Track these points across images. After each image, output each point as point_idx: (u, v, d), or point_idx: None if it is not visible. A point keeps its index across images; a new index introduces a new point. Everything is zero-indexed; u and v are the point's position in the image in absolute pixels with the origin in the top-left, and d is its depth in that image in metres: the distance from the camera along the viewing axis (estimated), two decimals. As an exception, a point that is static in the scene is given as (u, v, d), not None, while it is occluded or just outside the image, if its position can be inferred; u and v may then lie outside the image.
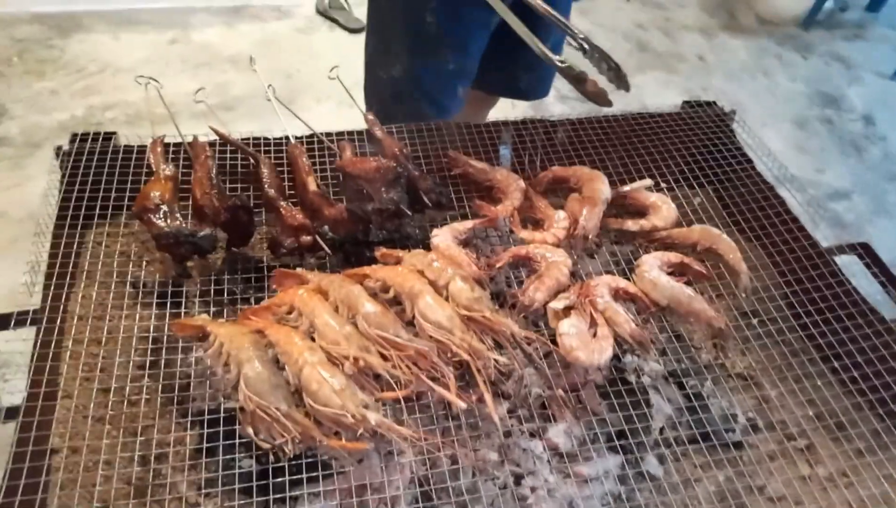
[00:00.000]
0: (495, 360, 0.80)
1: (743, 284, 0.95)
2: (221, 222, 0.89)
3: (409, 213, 0.92)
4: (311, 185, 0.95)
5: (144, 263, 0.97)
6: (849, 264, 1.08)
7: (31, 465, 0.73)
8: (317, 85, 2.95)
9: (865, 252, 1.07)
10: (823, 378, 0.94)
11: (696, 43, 3.53)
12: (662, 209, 1.01)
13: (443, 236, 0.95)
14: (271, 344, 0.79)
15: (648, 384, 0.96)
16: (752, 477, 0.89)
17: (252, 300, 0.96)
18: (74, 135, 1.07)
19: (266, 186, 0.94)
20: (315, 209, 0.93)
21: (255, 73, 1.22)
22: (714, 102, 1.29)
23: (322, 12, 3.34)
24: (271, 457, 0.75)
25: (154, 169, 0.95)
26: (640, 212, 1.04)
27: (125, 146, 1.07)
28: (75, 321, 0.91)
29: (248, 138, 1.10)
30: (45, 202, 0.99)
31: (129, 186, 1.01)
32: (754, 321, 0.98)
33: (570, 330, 0.84)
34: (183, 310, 0.95)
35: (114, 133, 1.09)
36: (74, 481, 0.75)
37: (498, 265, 0.93)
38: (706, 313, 0.88)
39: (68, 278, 0.91)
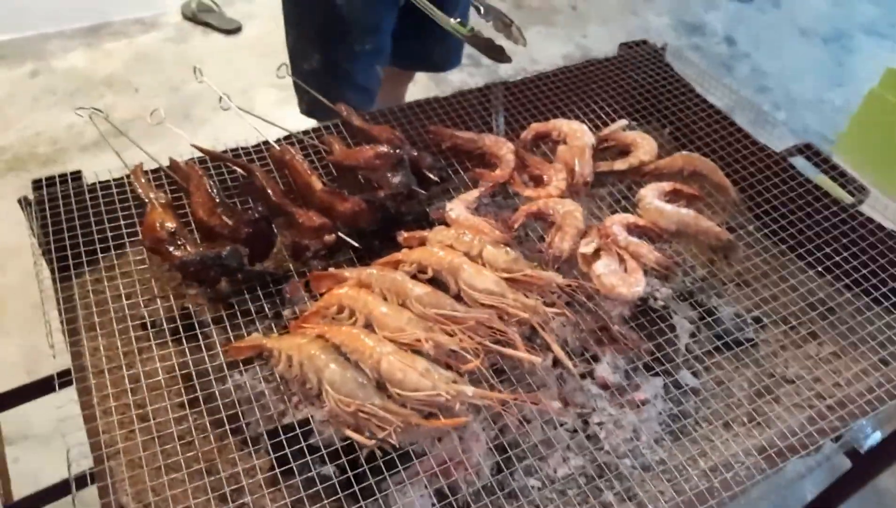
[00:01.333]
0: (551, 311, 0.83)
1: (732, 196, 1.04)
2: (243, 239, 0.85)
3: (422, 192, 0.93)
4: (317, 183, 0.93)
5: (144, 300, 0.91)
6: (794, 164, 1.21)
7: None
8: (206, 94, 2.81)
9: (807, 149, 1.20)
10: (804, 272, 1.04)
11: (565, -7, 3.68)
12: (643, 144, 1.08)
13: (458, 208, 0.96)
14: (336, 347, 0.78)
15: (663, 307, 1.04)
16: (770, 365, 0.99)
17: (268, 313, 0.94)
18: (37, 182, 0.97)
19: (270, 194, 0.91)
20: (327, 207, 0.92)
21: (203, 83, 1.17)
22: (646, 41, 1.38)
23: (191, 17, 3.17)
24: (346, 457, 0.75)
25: (146, 198, 0.89)
26: (623, 151, 1.10)
27: (93, 184, 0.99)
28: (97, 375, 0.85)
29: (226, 151, 1.05)
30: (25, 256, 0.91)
31: (106, 225, 0.95)
32: (740, 232, 1.08)
33: (606, 270, 0.89)
34: (202, 340, 0.91)
35: (79, 172, 1.00)
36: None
37: (516, 226, 0.96)
38: (713, 229, 0.96)
39: (84, 332, 0.85)
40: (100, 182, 0.98)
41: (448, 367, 0.78)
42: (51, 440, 1.71)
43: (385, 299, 0.84)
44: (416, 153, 0.98)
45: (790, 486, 1.11)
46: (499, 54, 1.10)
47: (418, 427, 0.73)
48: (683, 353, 0.99)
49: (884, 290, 1.00)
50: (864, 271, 1.02)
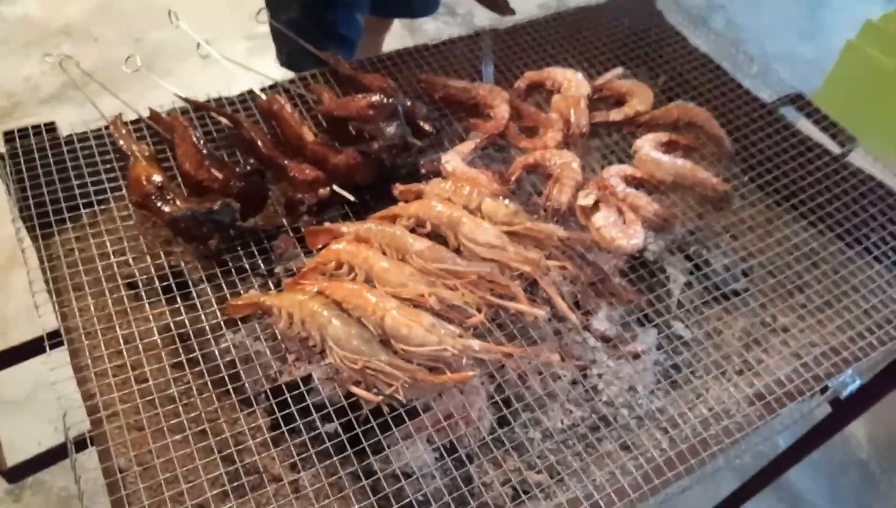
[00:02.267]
0: (553, 264, 0.83)
1: (726, 147, 1.03)
2: (235, 193, 0.82)
3: (418, 143, 0.90)
4: (308, 135, 0.90)
5: (132, 258, 0.88)
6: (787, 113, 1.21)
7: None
8: (172, 44, 2.69)
9: (797, 100, 1.20)
10: (794, 223, 1.05)
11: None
12: (639, 94, 1.07)
13: (454, 161, 0.94)
14: (338, 303, 0.76)
15: (656, 258, 1.04)
16: (762, 314, 1.00)
17: (262, 270, 0.91)
18: (8, 133, 0.92)
19: (261, 145, 0.87)
20: (320, 160, 0.89)
21: (179, 28, 1.10)
22: (637, -13, 1.35)
23: (151, -38, 3.00)
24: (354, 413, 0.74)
25: (128, 151, 0.85)
26: (618, 101, 1.09)
27: (69, 136, 0.94)
28: (88, 336, 0.82)
29: (208, 101, 1.00)
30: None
31: (87, 179, 0.90)
32: (733, 183, 1.08)
33: (606, 222, 0.88)
34: (196, 299, 0.88)
35: (53, 123, 0.95)
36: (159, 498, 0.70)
37: (513, 178, 0.94)
38: (710, 180, 0.96)
39: (72, 293, 0.81)
40: (77, 134, 0.93)
41: (450, 321, 0.77)
42: (24, 405, 1.67)
43: (384, 253, 0.82)
44: (409, 103, 0.95)
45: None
46: (501, 7, 1.06)
47: (424, 383, 0.72)
48: (677, 303, 1.00)
49: (873, 240, 1.01)
50: (854, 222, 1.03)
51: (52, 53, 1.01)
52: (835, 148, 1.15)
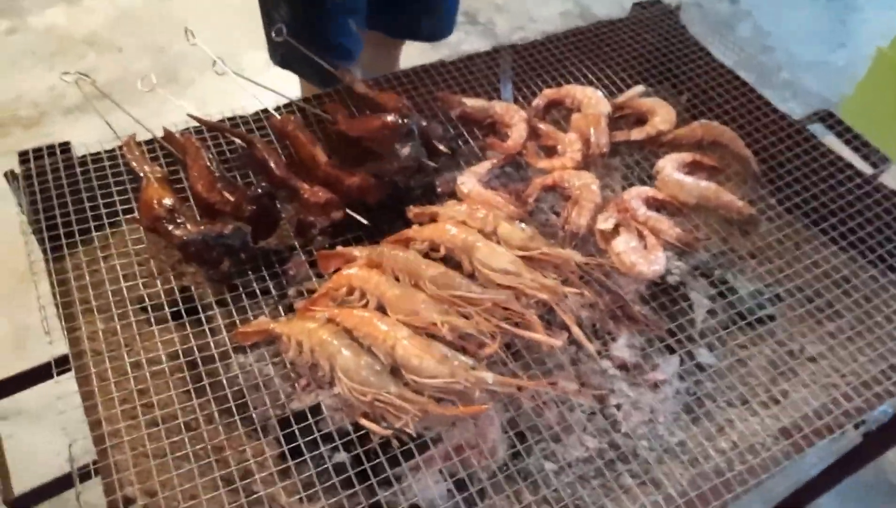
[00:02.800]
0: (571, 292, 0.80)
1: (752, 168, 1.00)
2: (246, 216, 0.81)
3: (433, 165, 0.88)
4: (321, 156, 0.88)
5: (142, 280, 0.87)
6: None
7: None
8: (194, 55, 2.71)
9: (827, 118, 1.16)
10: (824, 246, 1.01)
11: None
12: (661, 112, 1.04)
13: (470, 182, 0.92)
14: (348, 331, 0.75)
15: (679, 282, 1.00)
16: (790, 343, 0.97)
17: (273, 293, 0.90)
18: (23, 154, 0.92)
19: (273, 167, 0.86)
20: (333, 182, 0.87)
21: (196, 45, 1.10)
22: (660, 1, 1.31)
23: (175, -28, 3.03)
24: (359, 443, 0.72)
25: (140, 172, 0.84)
26: (640, 120, 1.06)
27: (83, 156, 0.93)
28: (96, 362, 0.81)
29: (223, 120, 1.00)
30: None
31: (99, 200, 0.90)
32: (759, 204, 1.04)
33: (626, 247, 0.85)
34: (205, 323, 0.87)
35: (68, 143, 0.95)
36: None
37: (531, 200, 0.92)
38: (735, 202, 0.92)
39: (80, 318, 0.81)
40: (91, 154, 0.93)
41: (464, 351, 0.75)
42: (44, 416, 1.68)
43: (397, 279, 0.80)
44: (425, 123, 0.93)
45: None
46: None
47: (435, 415, 0.70)
48: (701, 331, 0.96)
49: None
50: (888, 247, 0.99)
51: (69, 71, 1.00)
52: (866, 168, 1.11)
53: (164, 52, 2.68)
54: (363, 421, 0.69)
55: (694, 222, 0.97)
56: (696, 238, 0.89)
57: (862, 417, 0.82)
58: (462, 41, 2.94)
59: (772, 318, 0.99)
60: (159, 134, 0.94)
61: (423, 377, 0.70)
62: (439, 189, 1.00)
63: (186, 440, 0.75)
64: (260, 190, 0.80)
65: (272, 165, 0.86)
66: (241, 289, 0.88)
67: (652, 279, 0.86)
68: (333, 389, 0.80)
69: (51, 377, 0.71)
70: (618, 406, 0.88)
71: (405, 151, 0.88)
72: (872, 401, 0.83)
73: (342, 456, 0.78)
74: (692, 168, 0.98)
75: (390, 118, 0.90)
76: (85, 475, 0.70)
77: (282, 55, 1.32)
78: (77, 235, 0.86)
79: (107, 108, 1.00)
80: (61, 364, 0.77)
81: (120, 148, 0.89)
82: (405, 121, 0.89)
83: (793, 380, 0.91)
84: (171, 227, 0.77)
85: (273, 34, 1.12)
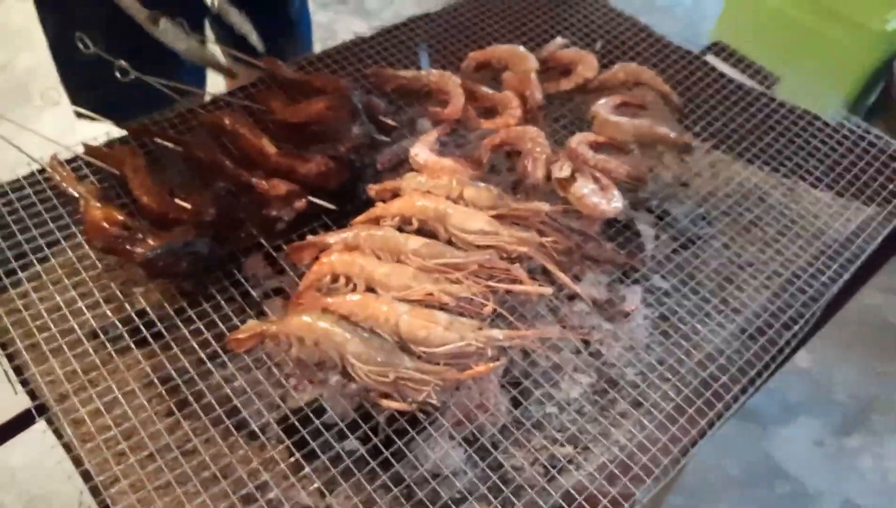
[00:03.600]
0: (548, 241, 0.83)
1: (674, 101, 1.07)
2: (208, 221, 0.76)
3: (386, 139, 0.87)
4: (269, 147, 0.85)
5: (88, 308, 0.80)
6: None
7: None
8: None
9: (722, 50, 1.26)
10: (736, 161, 1.10)
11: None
12: (584, 61, 1.08)
13: (423, 152, 0.92)
14: (345, 317, 0.73)
15: (627, 217, 1.07)
16: (733, 258, 1.05)
17: (236, 297, 0.85)
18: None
19: (222, 164, 0.82)
20: (287, 172, 0.84)
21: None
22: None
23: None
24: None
25: (76, 193, 0.77)
26: (565, 71, 1.09)
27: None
28: (59, 402, 0.74)
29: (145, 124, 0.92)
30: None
31: (20, 235, 0.82)
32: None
33: (586, 190, 0.89)
34: (175, 344, 0.82)
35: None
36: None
37: (485, 161, 0.93)
38: (669, 134, 0.99)
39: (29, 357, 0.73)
40: (10, 183, 0.83)
41: (462, 315, 0.76)
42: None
43: (379, 258, 0.79)
44: (367, 99, 0.91)
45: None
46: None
47: (453, 381, 0.71)
48: (651, 257, 1.03)
49: (806, 167, 1.09)
50: (786, 153, 1.10)
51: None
52: (762, 89, 1.22)
53: (6, 69, 2.42)
54: (386, 402, 0.68)
55: (636, 157, 1.02)
56: (643, 172, 0.95)
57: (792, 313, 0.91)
58: (334, 21, 2.89)
59: (712, 238, 1.08)
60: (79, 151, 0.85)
61: (434, 347, 0.71)
62: (379, 165, 0.98)
63: (188, 468, 0.71)
64: (220, 190, 0.75)
65: (220, 163, 0.81)
66: (202, 301, 0.84)
67: (614, 215, 0.91)
68: (331, 379, 0.78)
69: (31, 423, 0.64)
70: (600, 342, 0.92)
71: (355, 129, 0.86)
72: (815, 295, 0.93)
73: (351, 442, 0.77)
74: (623, 109, 1.03)
75: (333, 99, 0.87)
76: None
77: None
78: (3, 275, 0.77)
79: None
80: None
81: (41, 171, 0.81)
82: (349, 99, 0.87)
83: (745, 289, 0.99)
84: (129, 245, 0.72)
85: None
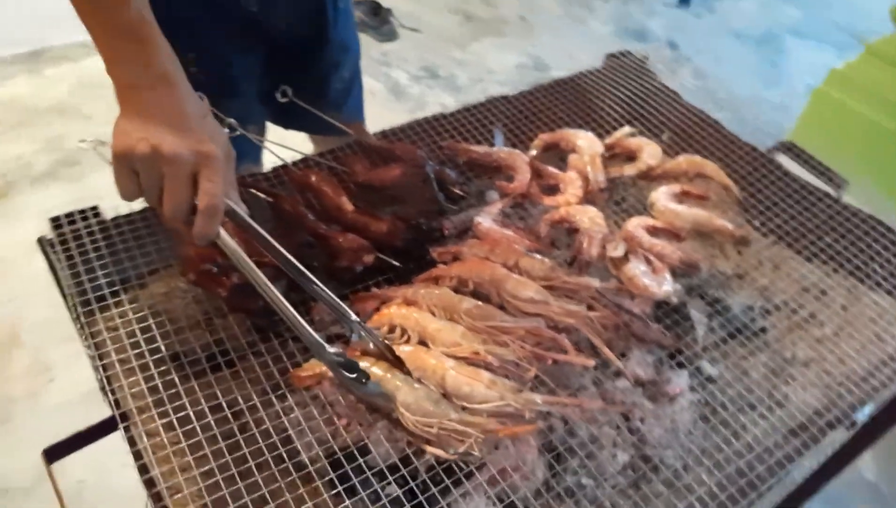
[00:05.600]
0: (595, 316, 0.87)
1: (735, 194, 1.10)
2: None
3: (453, 207, 0.95)
4: (347, 205, 0.94)
5: (175, 333, 0.90)
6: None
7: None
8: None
9: (791, 148, 1.28)
10: (796, 258, 1.11)
11: (512, 5, 3.77)
12: (649, 149, 1.14)
13: (486, 221, 0.99)
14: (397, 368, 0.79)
15: (679, 302, 1.09)
16: (783, 352, 1.05)
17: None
18: (55, 219, 0.94)
19: (304, 218, 0.91)
20: (361, 228, 0.92)
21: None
22: (630, 52, 1.44)
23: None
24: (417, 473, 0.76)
25: (177, 229, 0.87)
26: (630, 157, 1.15)
27: (114, 219, 0.97)
28: (141, 410, 0.83)
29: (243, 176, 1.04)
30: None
31: (126, 261, 0.93)
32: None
33: (637, 271, 0.93)
34: (240, 366, 0.90)
35: (97, 207, 0.97)
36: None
37: (543, 235, 0.99)
38: (727, 225, 1.02)
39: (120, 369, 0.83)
40: (121, 217, 0.96)
41: (506, 377, 0.80)
42: (31, 492, 1.63)
43: (433, 314, 0.86)
44: (438, 169, 1.00)
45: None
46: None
47: (494, 435, 0.75)
48: (703, 346, 1.04)
49: (879, 273, 1.08)
50: (859, 258, 1.10)
51: (86, 139, 1.03)
52: (829, 190, 1.24)
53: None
54: (431, 449, 0.73)
55: (691, 246, 1.05)
56: (697, 259, 0.98)
57: (854, 414, 0.90)
58: (426, 94, 3.07)
59: (763, 330, 1.08)
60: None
61: (475, 403, 0.75)
62: (446, 231, 1.06)
63: (242, 487, 0.77)
64: (303, 241, 0.84)
65: (303, 215, 0.91)
66: (272, 337, 0.92)
67: (664, 299, 0.94)
68: (379, 423, 0.84)
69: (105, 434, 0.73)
70: (641, 420, 0.94)
71: (426, 195, 0.94)
72: (863, 397, 0.92)
73: (392, 486, 0.81)
74: (682, 197, 1.07)
75: (408, 167, 0.96)
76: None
77: None
78: (108, 296, 0.89)
79: (78, 174, 1.03)
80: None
81: (151, 208, 0.93)
82: (422, 168, 0.96)
83: (792, 384, 0.99)
84: (216, 280, 0.81)
85: None
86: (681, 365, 1.00)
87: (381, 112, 2.58)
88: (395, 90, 3.02)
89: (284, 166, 1.05)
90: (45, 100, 2.79)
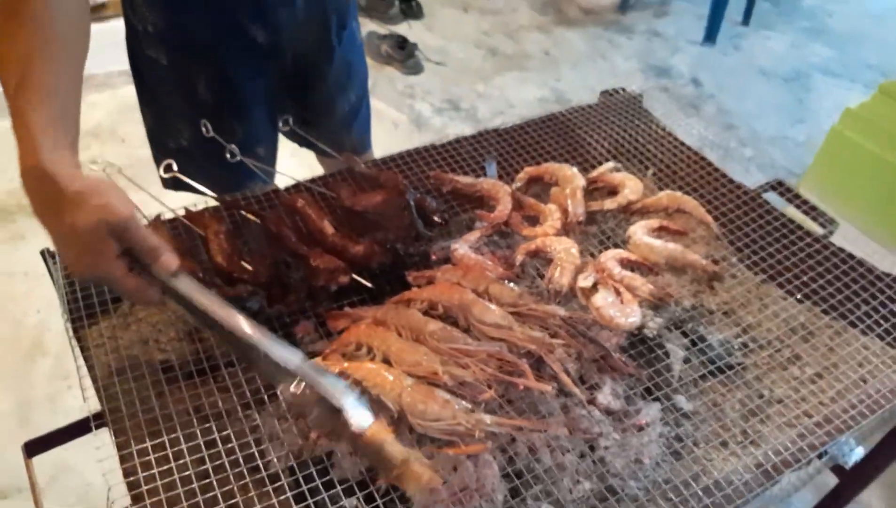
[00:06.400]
0: (557, 342, 0.89)
1: (714, 231, 1.12)
2: (263, 282, 0.90)
3: (429, 234, 0.99)
4: (329, 228, 0.99)
5: (165, 344, 0.95)
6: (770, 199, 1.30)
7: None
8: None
9: (779, 186, 1.29)
10: (784, 299, 1.12)
11: (537, 40, 3.84)
12: (630, 185, 1.16)
13: (462, 248, 1.02)
14: (358, 382, 0.83)
15: (656, 336, 1.10)
16: (760, 392, 1.05)
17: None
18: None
19: (286, 239, 0.96)
20: (339, 250, 0.97)
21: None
22: (625, 89, 1.47)
23: (175, 69, 3.24)
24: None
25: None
26: (612, 191, 1.18)
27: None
28: (129, 417, 0.88)
29: (238, 198, 1.11)
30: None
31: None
32: (723, 263, 1.16)
33: (605, 302, 0.95)
34: (227, 375, 0.94)
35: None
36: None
37: (517, 263, 1.02)
38: (699, 261, 1.03)
39: (114, 377, 0.88)
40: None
41: (463, 398, 0.83)
42: (45, 492, 1.70)
43: (400, 335, 0.89)
44: (419, 197, 1.05)
45: (782, 502, 1.17)
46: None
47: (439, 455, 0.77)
48: (678, 378, 1.05)
49: (858, 313, 1.08)
50: (839, 297, 1.10)
51: (97, 161, 1.11)
52: (818, 229, 1.24)
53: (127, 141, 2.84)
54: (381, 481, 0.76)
55: (668, 280, 1.07)
56: (667, 293, 0.99)
57: (823, 448, 0.90)
58: (447, 126, 3.14)
59: (744, 368, 1.08)
60: (181, 214, 1.04)
61: (428, 421, 0.78)
62: (434, 257, 1.10)
63: (215, 482, 0.81)
64: (277, 260, 0.90)
65: (285, 236, 0.96)
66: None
67: (628, 330, 0.96)
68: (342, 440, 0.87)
69: (88, 431, 0.78)
70: (606, 448, 0.95)
71: (403, 221, 0.99)
72: (831, 434, 0.92)
73: (350, 501, 0.84)
74: (660, 232, 1.09)
75: (390, 194, 1.01)
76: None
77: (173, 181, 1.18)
78: (110, 303, 0.95)
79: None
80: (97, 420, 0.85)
81: (147, 225, 0.99)
82: (402, 196, 1.01)
83: (761, 419, 0.99)
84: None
85: (161, 171, 1.13)
86: (656, 399, 1.01)
87: (402, 143, 2.65)
88: (417, 121, 3.10)
89: (276, 191, 1.11)
90: (84, 123, 2.94)
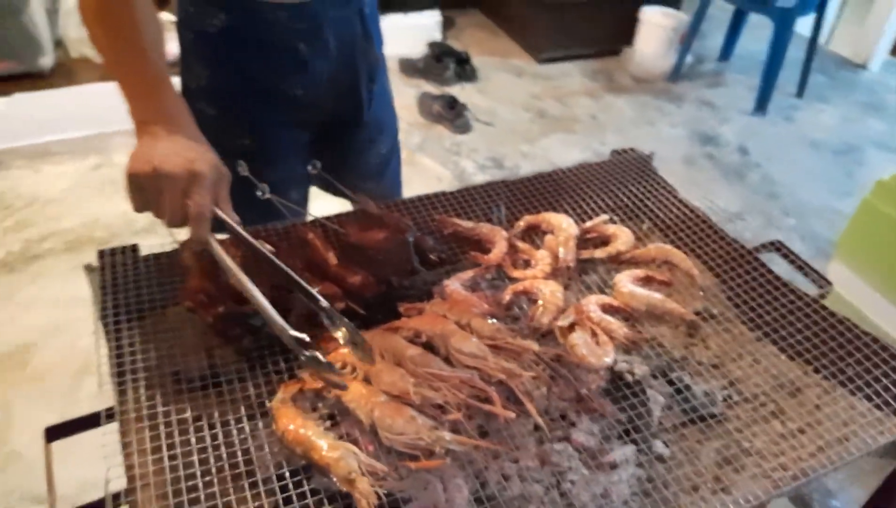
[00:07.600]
0: (526, 374, 0.95)
1: (699, 284, 1.16)
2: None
3: (423, 269, 1.08)
4: (332, 259, 1.10)
5: (180, 355, 1.07)
6: (769, 259, 1.33)
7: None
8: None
9: (780, 248, 1.32)
10: (774, 355, 1.14)
11: (586, 105, 3.96)
12: (622, 236, 1.23)
13: (454, 284, 1.11)
14: (338, 398, 0.91)
15: (639, 381, 1.14)
16: (739, 442, 1.07)
17: (283, 370, 1.07)
18: (102, 252, 1.16)
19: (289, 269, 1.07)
20: (339, 280, 1.07)
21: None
22: (634, 148, 1.55)
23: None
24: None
25: (189, 266, 1.06)
26: (604, 242, 1.25)
27: (147, 255, 1.18)
28: (135, 415, 0.99)
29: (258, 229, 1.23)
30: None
31: (156, 290, 1.13)
32: (708, 318, 1.19)
33: (579, 341, 1.01)
34: (228, 394, 1.04)
35: (136, 245, 1.19)
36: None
37: (505, 302, 1.10)
38: (678, 310, 1.08)
39: (129, 377, 1.00)
40: (154, 254, 1.17)
41: (434, 417, 0.90)
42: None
43: (382, 357, 0.97)
44: (418, 236, 1.14)
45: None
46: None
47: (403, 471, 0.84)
48: (657, 423, 1.08)
49: (848, 374, 1.09)
50: (832, 357, 1.12)
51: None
52: (813, 290, 1.26)
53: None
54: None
55: (661, 331, 1.11)
56: (642, 338, 1.04)
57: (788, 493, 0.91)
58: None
59: (725, 418, 1.10)
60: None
61: (393, 434, 0.86)
62: (436, 295, 1.18)
63: (200, 484, 0.90)
64: (281, 285, 1.00)
65: (292, 264, 1.07)
66: (257, 367, 1.07)
67: (600, 369, 1.01)
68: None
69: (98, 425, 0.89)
70: (572, 482, 0.99)
71: (401, 258, 1.08)
72: (801, 486, 0.93)
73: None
74: (646, 282, 1.15)
75: (392, 232, 1.11)
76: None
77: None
78: (136, 314, 1.07)
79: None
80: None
81: (176, 250, 1.13)
82: (404, 235, 1.11)
83: (739, 470, 1.00)
84: (205, 309, 0.98)
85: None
86: (633, 441, 1.05)
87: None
88: (460, 177, 3.24)
89: (294, 224, 1.23)
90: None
